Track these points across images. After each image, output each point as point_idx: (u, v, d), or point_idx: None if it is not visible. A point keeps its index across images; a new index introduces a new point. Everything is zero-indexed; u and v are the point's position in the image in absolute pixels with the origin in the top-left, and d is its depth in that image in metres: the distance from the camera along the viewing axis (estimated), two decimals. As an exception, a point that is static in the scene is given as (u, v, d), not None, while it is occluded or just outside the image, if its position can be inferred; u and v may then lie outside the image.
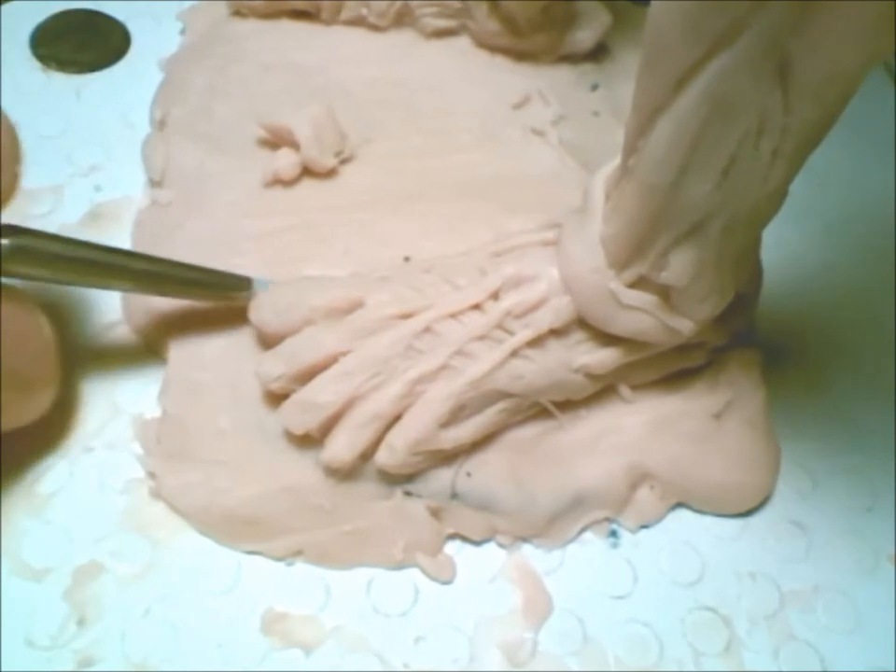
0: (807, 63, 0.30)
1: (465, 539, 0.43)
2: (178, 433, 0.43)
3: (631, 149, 0.35)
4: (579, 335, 0.42)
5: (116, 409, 0.45)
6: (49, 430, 0.44)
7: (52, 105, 0.56)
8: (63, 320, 0.46)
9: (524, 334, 0.41)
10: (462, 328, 0.41)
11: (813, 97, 0.31)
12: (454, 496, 0.42)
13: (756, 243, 0.42)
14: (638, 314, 0.39)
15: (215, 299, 0.44)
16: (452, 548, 0.43)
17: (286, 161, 0.50)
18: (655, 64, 0.32)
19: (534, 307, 0.41)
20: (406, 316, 0.42)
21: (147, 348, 0.47)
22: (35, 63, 0.58)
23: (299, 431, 0.41)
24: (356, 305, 0.42)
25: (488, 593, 0.42)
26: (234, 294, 0.44)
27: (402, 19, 0.58)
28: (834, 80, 0.30)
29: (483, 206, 0.50)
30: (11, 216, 0.50)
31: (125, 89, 0.57)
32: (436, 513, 0.42)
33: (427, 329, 0.41)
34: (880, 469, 0.47)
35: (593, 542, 0.44)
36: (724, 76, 0.30)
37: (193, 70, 0.56)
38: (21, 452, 0.43)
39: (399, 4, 0.57)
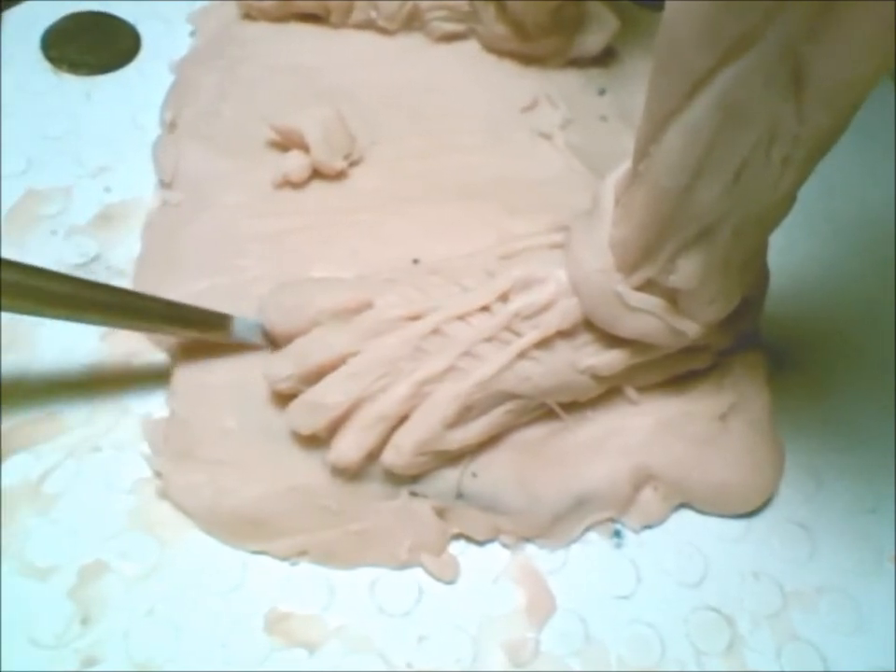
0: (822, 70, 0.30)
1: (469, 538, 0.43)
2: (186, 433, 0.44)
3: (642, 154, 0.35)
4: (586, 337, 0.42)
5: (124, 409, 0.45)
6: (56, 425, 0.44)
7: (62, 107, 0.56)
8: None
9: (531, 336, 0.41)
10: (470, 329, 0.41)
11: (826, 104, 0.31)
12: (459, 496, 0.42)
13: (763, 247, 0.42)
14: (645, 316, 0.40)
15: (194, 335, 0.44)
16: (455, 548, 0.43)
17: (296, 163, 0.50)
18: (669, 69, 0.32)
19: (542, 309, 0.41)
20: (414, 318, 0.42)
21: (155, 348, 0.47)
22: (46, 65, 0.58)
23: (306, 432, 0.41)
24: (363, 307, 0.42)
25: (491, 593, 0.42)
26: (215, 332, 0.44)
27: (411, 22, 0.58)
28: (848, 87, 0.30)
29: (491, 209, 0.50)
30: (21, 217, 0.50)
31: (135, 90, 0.57)
32: (441, 514, 0.42)
33: (435, 331, 0.41)
34: (883, 470, 0.47)
35: (596, 542, 0.44)
36: (738, 82, 0.30)
37: (203, 72, 0.56)
38: (27, 449, 0.43)
39: (408, 7, 0.57)
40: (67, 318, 0.41)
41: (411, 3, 0.57)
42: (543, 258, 0.42)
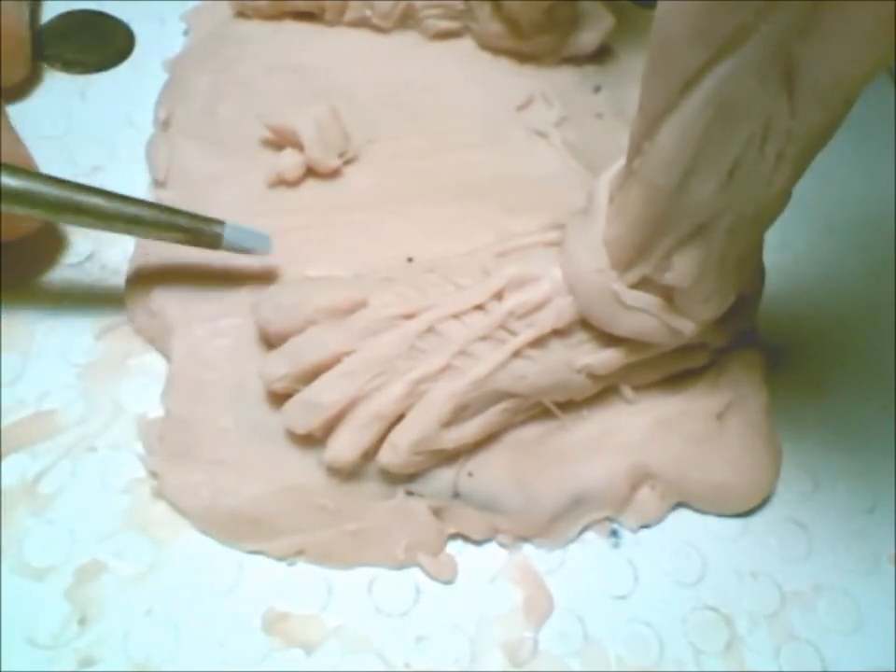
0: (814, 67, 0.30)
1: (466, 538, 0.43)
2: (181, 433, 0.43)
3: (636, 151, 0.35)
4: (581, 335, 0.42)
5: (118, 408, 0.45)
6: (51, 425, 0.44)
7: (56, 106, 0.56)
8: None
9: (526, 334, 0.41)
10: (465, 328, 0.41)
11: (819, 101, 0.31)
12: (455, 495, 0.42)
13: (759, 244, 0.42)
14: (641, 314, 0.39)
15: (186, 237, 0.44)
16: (453, 547, 0.43)
17: (289, 161, 0.50)
18: (662, 67, 0.32)
19: (537, 307, 0.41)
20: (409, 317, 0.42)
21: (150, 347, 0.47)
22: (40, 64, 0.58)
23: (301, 431, 0.41)
24: (359, 305, 0.42)
25: (489, 592, 0.42)
26: (205, 233, 0.44)
27: (406, 20, 0.58)
28: (841, 84, 0.30)
29: (486, 207, 0.50)
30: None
31: (129, 89, 0.57)
32: (438, 513, 0.42)
33: (430, 330, 0.41)
34: (881, 470, 0.46)
35: (594, 542, 0.44)
36: (731, 79, 0.30)
37: (197, 71, 0.56)
38: (23, 449, 0.43)
39: (402, 5, 0.57)
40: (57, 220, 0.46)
41: (405, 1, 0.57)
42: (538, 256, 0.42)
